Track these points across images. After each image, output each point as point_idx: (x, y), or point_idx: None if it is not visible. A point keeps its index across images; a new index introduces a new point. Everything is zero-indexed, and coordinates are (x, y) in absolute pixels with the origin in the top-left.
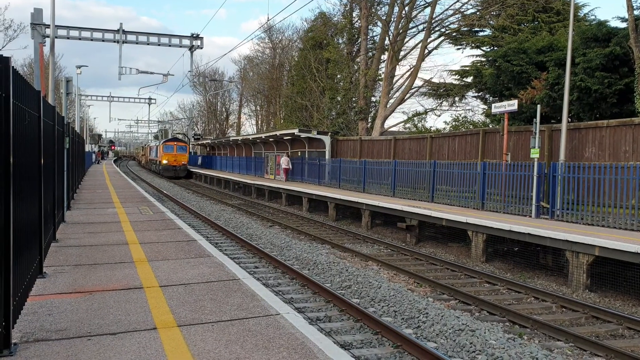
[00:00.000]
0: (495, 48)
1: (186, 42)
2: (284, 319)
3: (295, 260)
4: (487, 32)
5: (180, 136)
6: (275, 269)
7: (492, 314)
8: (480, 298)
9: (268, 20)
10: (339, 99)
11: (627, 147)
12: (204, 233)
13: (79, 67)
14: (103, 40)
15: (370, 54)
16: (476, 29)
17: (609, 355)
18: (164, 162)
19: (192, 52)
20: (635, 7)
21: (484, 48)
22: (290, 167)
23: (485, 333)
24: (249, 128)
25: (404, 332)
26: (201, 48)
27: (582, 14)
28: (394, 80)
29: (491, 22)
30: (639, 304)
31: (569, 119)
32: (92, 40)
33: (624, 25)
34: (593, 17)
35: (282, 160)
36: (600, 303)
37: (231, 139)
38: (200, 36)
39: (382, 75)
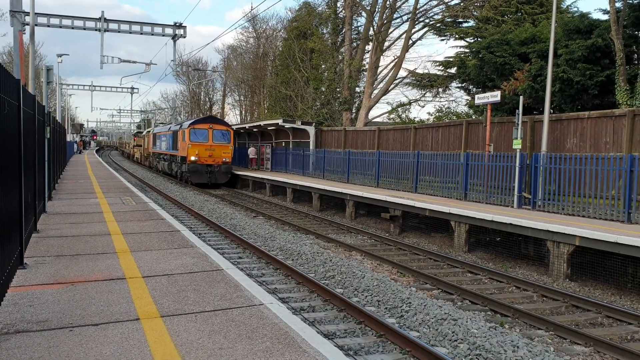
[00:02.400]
0: (479, 39)
1: (169, 31)
2: (267, 309)
3: (279, 251)
4: (471, 23)
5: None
6: (259, 260)
7: (474, 303)
8: (463, 287)
9: (252, 10)
10: (323, 89)
11: (608, 138)
12: (188, 224)
13: (59, 55)
14: (84, 29)
15: (354, 44)
16: (460, 20)
17: (588, 343)
18: (192, 158)
19: (175, 41)
20: None
21: (467, 39)
22: (256, 157)
23: (467, 322)
24: (232, 118)
25: (387, 322)
26: (184, 37)
27: (565, 6)
28: (378, 71)
29: (475, 13)
30: (618, 293)
31: (551, 110)
32: (73, 28)
33: (605, 17)
34: (575, 9)
35: (250, 150)
36: (580, 292)
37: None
38: (183, 25)
39: (367, 66)
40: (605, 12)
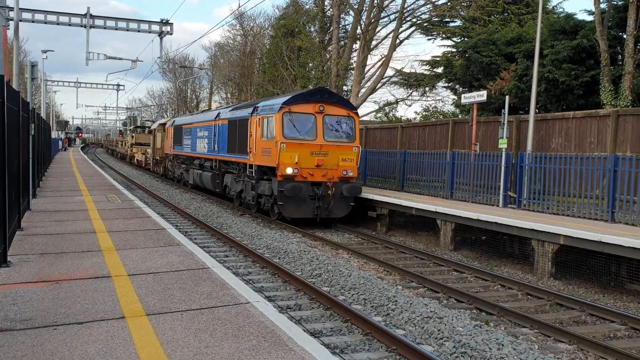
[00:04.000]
0: (466, 39)
1: (155, 27)
2: (254, 308)
3: (265, 249)
4: (458, 23)
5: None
6: (246, 258)
7: (459, 301)
8: (448, 286)
9: (239, 7)
10: (310, 87)
11: (592, 138)
12: (174, 221)
13: (44, 51)
14: (70, 25)
15: (342, 42)
16: (447, 19)
17: (572, 341)
18: (288, 171)
19: (161, 38)
20: (601, 0)
21: (454, 39)
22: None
23: (452, 320)
24: None
25: (373, 320)
26: (171, 34)
27: (551, 7)
28: (366, 70)
29: (462, 12)
30: (601, 291)
31: (537, 110)
32: (58, 24)
33: (590, 18)
34: (561, 10)
35: None
36: (565, 290)
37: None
38: (170, 22)
39: (354, 65)
40: (590, 13)
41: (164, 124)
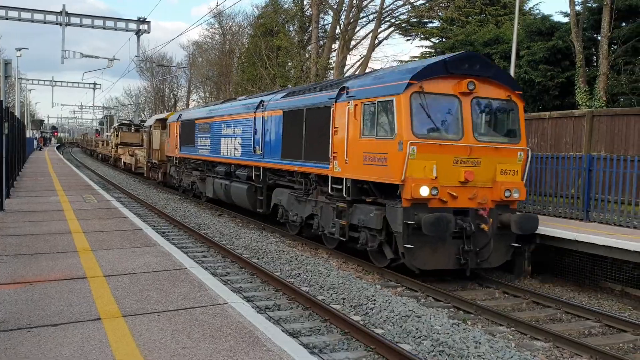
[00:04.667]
0: (444, 40)
1: (133, 26)
2: (231, 308)
3: (244, 249)
4: (436, 23)
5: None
6: (224, 258)
7: (437, 300)
8: (426, 285)
9: (217, 6)
10: (290, 87)
11: (568, 138)
12: (151, 222)
13: (19, 49)
14: (45, 22)
15: (321, 42)
16: (425, 20)
17: (547, 338)
18: (422, 191)
19: (138, 37)
20: (576, 2)
21: (432, 39)
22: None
23: (430, 319)
24: None
25: (352, 319)
26: (148, 32)
27: (527, 8)
28: (345, 70)
29: (440, 13)
30: (577, 289)
31: None
32: (32, 21)
33: (566, 20)
34: (537, 12)
35: None
36: (541, 289)
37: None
38: (147, 20)
39: (333, 65)
40: (565, 15)
41: (163, 120)
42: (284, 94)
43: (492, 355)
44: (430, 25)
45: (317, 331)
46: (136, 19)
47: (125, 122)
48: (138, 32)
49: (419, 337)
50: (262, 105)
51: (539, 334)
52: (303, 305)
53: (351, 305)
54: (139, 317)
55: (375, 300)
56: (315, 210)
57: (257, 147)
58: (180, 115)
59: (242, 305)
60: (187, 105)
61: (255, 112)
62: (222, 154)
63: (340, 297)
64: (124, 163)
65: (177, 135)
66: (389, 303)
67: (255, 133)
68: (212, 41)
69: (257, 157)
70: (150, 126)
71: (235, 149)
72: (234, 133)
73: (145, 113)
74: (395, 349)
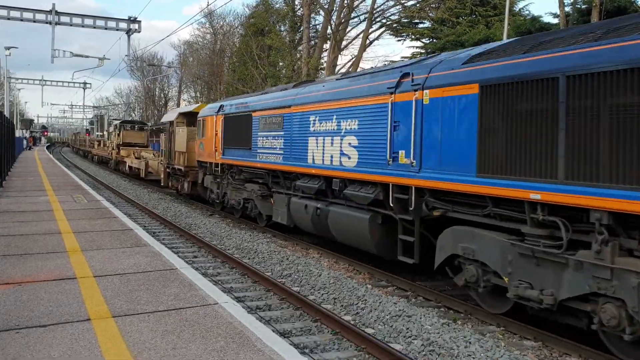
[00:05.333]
0: (435, 40)
1: (123, 25)
2: (222, 308)
3: (235, 249)
4: (427, 24)
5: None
6: (215, 259)
7: (428, 299)
8: (417, 284)
9: (208, 5)
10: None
11: None
12: (141, 222)
13: (8, 48)
14: (34, 21)
15: (312, 42)
16: (416, 20)
17: (537, 338)
18: None
19: (129, 36)
20: (566, 3)
21: (423, 40)
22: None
23: (421, 318)
24: None
25: (342, 319)
26: (139, 32)
27: (517, 9)
28: (336, 70)
29: (431, 14)
30: None
31: None
32: (22, 20)
33: (556, 21)
34: (527, 12)
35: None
36: None
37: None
38: (138, 20)
39: (325, 65)
40: (555, 16)
41: (190, 114)
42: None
43: (482, 354)
44: (421, 25)
45: (308, 331)
46: (127, 18)
47: (128, 120)
48: (128, 32)
49: (410, 337)
50: (413, 81)
51: (529, 333)
52: (294, 306)
53: (342, 305)
54: (129, 318)
55: (366, 300)
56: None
57: (401, 152)
58: (223, 106)
59: (233, 306)
60: (178, 105)
61: (393, 94)
62: (311, 161)
63: (331, 297)
64: (130, 167)
65: (217, 134)
66: (380, 303)
67: (395, 128)
68: (203, 41)
69: (400, 169)
70: (171, 122)
71: (341, 154)
72: (340, 129)
73: (136, 113)
74: (385, 349)
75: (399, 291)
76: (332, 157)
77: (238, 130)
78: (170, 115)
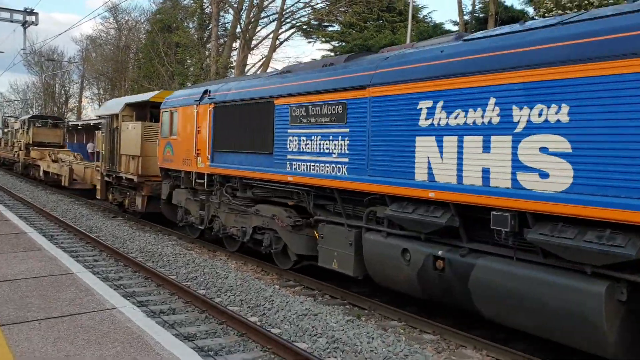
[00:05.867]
0: (343, 43)
1: (18, 17)
2: (120, 313)
3: (139, 253)
4: (336, 27)
5: None
6: (117, 262)
7: (334, 297)
8: (324, 283)
9: None
10: (189, 84)
11: None
12: (37, 225)
13: None
14: None
15: (221, 40)
16: (326, 23)
17: (436, 331)
18: None
19: (25, 29)
20: (465, 12)
21: (333, 43)
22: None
23: (326, 316)
24: (91, 112)
25: (248, 321)
26: (36, 24)
27: (422, 16)
28: (246, 69)
29: (339, 17)
30: None
31: None
32: None
33: (456, 28)
34: (430, 20)
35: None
36: None
37: (70, 124)
38: (35, 11)
39: (234, 63)
40: (455, 23)
41: (142, 105)
42: None
43: (383, 349)
44: (330, 28)
45: (213, 334)
46: (22, 9)
47: (39, 115)
48: (24, 24)
49: (315, 335)
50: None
51: (429, 327)
52: (199, 309)
53: (249, 307)
54: (17, 326)
55: (273, 300)
56: None
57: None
58: (209, 92)
59: (132, 310)
60: (80, 102)
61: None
62: (424, 177)
63: (238, 299)
64: (45, 173)
65: (200, 132)
66: (287, 303)
67: None
68: (107, 36)
69: None
70: (114, 116)
71: (517, 166)
72: (513, 122)
73: (34, 110)
74: (291, 348)
75: (306, 290)
76: (487, 171)
77: (244, 126)
78: (111, 107)
